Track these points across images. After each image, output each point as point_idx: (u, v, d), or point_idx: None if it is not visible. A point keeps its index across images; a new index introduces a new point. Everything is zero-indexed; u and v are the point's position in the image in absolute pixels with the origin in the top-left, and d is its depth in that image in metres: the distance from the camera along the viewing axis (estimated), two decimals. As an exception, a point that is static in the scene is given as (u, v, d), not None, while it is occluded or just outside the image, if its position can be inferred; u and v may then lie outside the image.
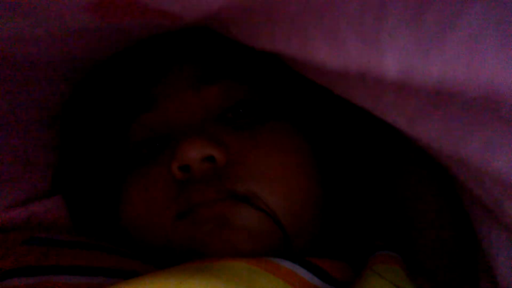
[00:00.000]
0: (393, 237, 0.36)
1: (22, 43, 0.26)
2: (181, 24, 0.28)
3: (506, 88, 0.18)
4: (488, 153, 0.21)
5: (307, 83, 0.29)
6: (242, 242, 0.30)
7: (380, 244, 0.34)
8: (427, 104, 0.22)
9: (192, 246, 0.30)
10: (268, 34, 0.25)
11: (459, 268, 0.33)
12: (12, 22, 0.24)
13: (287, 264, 0.28)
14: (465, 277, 0.33)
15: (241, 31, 0.27)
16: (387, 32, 0.20)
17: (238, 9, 0.25)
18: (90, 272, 0.27)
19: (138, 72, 0.34)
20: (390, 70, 0.20)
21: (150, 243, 0.31)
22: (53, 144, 0.35)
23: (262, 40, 0.25)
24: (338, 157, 0.38)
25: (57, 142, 0.36)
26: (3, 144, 0.31)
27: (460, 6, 0.19)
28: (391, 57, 0.20)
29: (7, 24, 0.24)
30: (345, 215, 0.37)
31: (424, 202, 0.35)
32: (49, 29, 0.26)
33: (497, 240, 0.26)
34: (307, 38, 0.22)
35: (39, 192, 0.34)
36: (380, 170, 0.39)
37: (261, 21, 0.24)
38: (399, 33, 0.20)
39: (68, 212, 0.34)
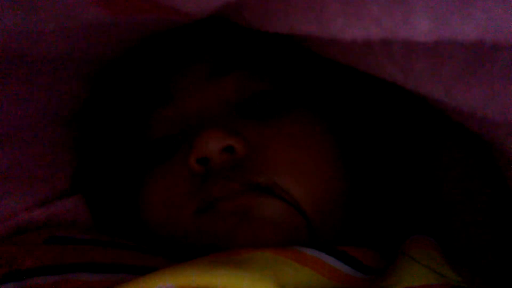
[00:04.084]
0: (427, 224, 0.35)
1: (34, 39, 0.26)
2: (193, 19, 0.28)
3: None
4: None
5: (327, 67, 0.28)
6: (267, 234, 0.29)
7: (412, 230, 0.32)
8: (467, 66, 0.20)
9: (215, 240, 0.29)
10: (282, 13, 0.24)
11: (502, 253, 0.31)
12: (22, 16, 0.24)
13: (314, 253, 0.27)
14: (508, 262, 0.31)
15: (254, 15, 0.26)
16: None
17: None
18: (111, 269, 0.27)
19: (154, 67, 0.34)
20: (421, 30, 0.18)
21: (171, 239, 0.31)
22: (71, 143, 0.35)
23: (276, 21, 0.24)
24: (364, 143, 0.37)
25: (74, 141, 0.36)
26: (20, 145, 0.30)
27: None
28: (421, 14, 0.18)
29: (17, 19, 0.24)
30: (374, 202, 0.36)
31: (463, 185, 0.33)
32: (61, 24, 0.26)
33: None
34: (322, 8, 0.21)
35: (59, 191, 0.34)
36: (412, 152, 0.37)
37: (275, 0, 0.24)
38: None
39: (88, 210, 0.34)
